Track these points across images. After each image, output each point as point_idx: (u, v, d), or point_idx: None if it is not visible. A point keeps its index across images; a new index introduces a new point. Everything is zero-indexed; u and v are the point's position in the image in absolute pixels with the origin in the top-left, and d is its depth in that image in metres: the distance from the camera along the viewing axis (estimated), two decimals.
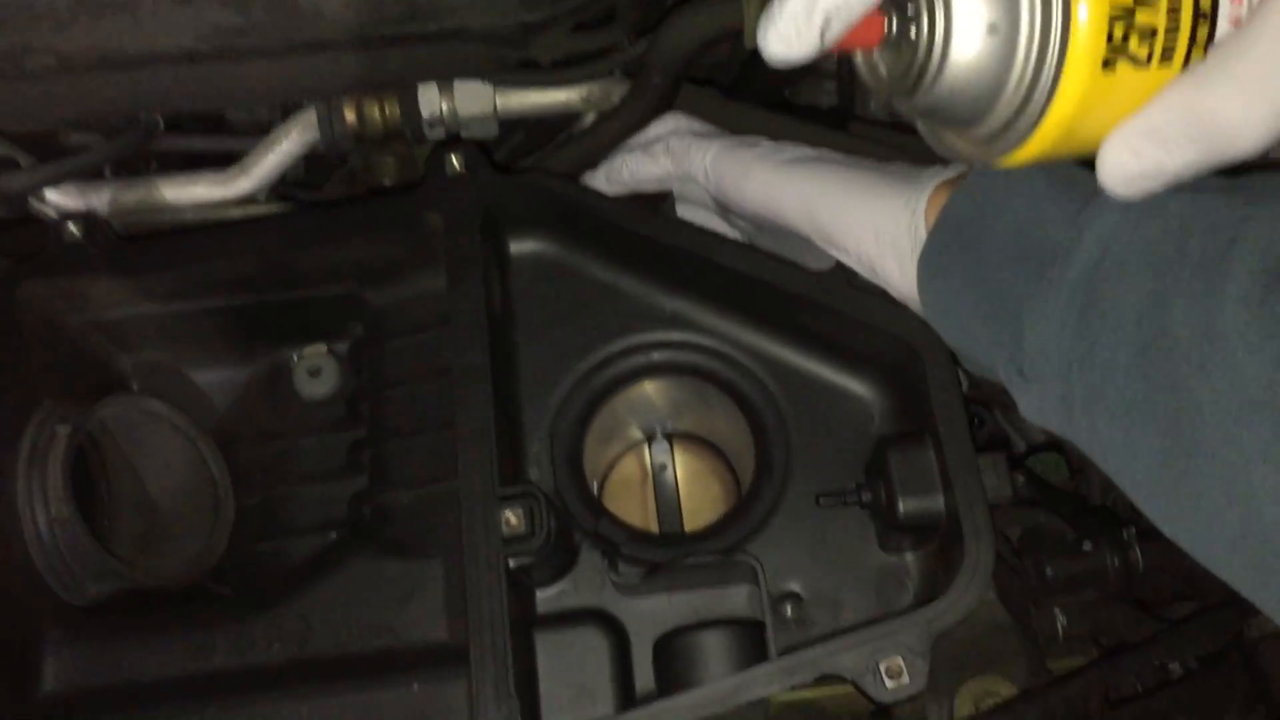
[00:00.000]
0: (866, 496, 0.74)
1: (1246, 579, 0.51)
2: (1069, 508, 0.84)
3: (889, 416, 0.79)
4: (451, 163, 0.80)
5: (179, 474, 0.86)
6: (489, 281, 0.78)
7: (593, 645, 0.74)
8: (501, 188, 0.80)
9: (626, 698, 0.73)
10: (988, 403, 0.93)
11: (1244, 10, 0.44)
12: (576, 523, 0.77)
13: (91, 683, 0.75)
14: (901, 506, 0.71)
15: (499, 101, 0.93)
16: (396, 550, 0.78)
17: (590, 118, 0.98)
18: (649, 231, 0.78)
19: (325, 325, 0.88)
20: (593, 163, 0.88)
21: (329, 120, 0.92)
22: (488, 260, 0.79)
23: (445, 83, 0.90)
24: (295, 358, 0.90)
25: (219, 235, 0.87)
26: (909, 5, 0.47)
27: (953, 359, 0.72)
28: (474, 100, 0.92)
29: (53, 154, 0.94)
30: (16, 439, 0.77)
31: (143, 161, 0.99)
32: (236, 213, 0.96)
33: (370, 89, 0.90)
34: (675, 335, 0.82)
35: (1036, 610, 0.79)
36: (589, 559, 0.77)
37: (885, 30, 0.48)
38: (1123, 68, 0.44)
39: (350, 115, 0.92)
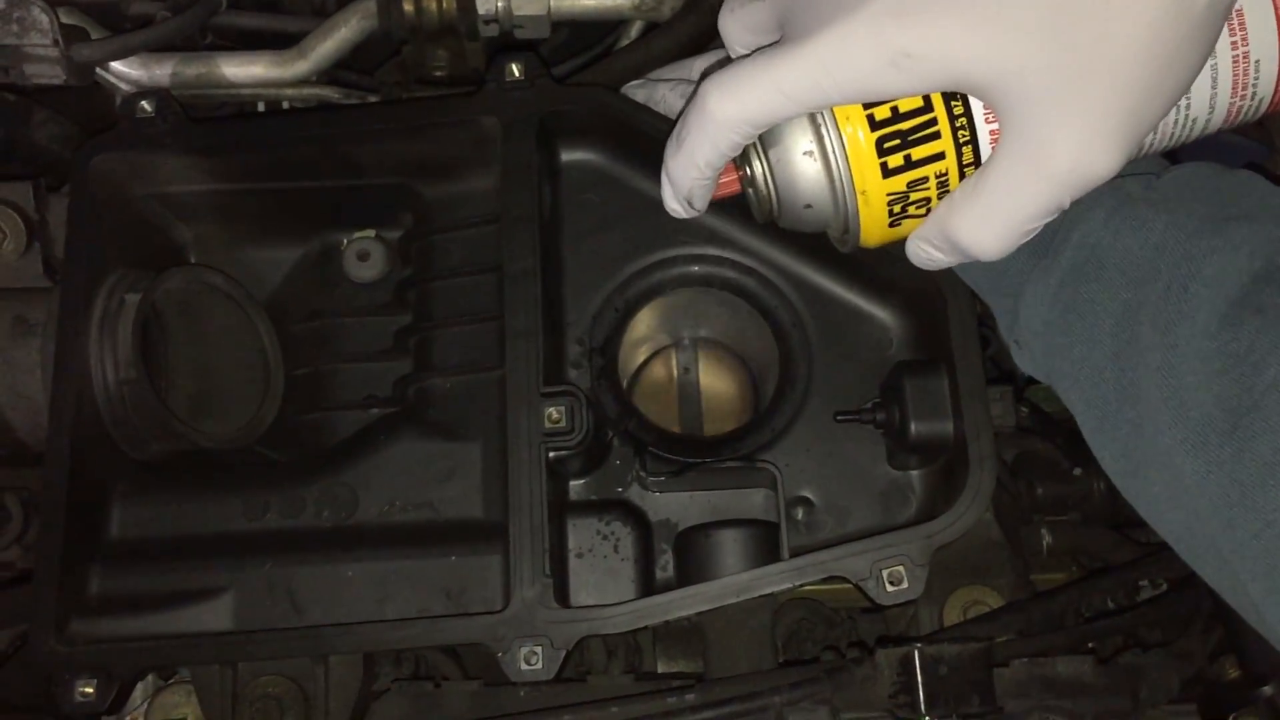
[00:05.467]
0: (881, 416, 0.78)
1: (1186, 557, 0.59)
2: (1062, 435, 0.90)
3: (907, 342, 0.83)
4: (512, 70, 0.82)
5: (233, 343, 0.90)
6: (540, 187, 0.82)
7: (618, 535, 0.79)
8: (558, 98, 0.82)
9: (647, 585, 0.79)
10: (993, 323, 0.98)
11: None
12: (610, 421, 0.82)
13: (155, 533, 0.81)
14: (913, 428, 0.75)
15: (553, 3, 0.96)
16: (438, 432, 0.83)
17: (637, 26, 1.00)
18: None
19: (377, 213, 0.91)
20: (636, 76, 0.89)
21: (388, 10, 0.95)
22: (540, 167, 0.82)
23: None
24: (345, 241, 0.93)
25: (284, 122, 0.91)
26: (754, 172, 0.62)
27: (972, 296, 0.76)
28: (530, 1, 0.95)
29: (114, 18, 0.97)
30: (89, 305, 0.81)
31: (199, 35, 1.01)
32: (290, 92, 0.99)
33: None
34: (712, 250, 0.85)
35: (1025, 528, 0.86)
36: (620, 455, 0.82)
37: (742, 187, 0.64)
38: (908, 222, 0.61)
39: (409, 7, 0.94)
